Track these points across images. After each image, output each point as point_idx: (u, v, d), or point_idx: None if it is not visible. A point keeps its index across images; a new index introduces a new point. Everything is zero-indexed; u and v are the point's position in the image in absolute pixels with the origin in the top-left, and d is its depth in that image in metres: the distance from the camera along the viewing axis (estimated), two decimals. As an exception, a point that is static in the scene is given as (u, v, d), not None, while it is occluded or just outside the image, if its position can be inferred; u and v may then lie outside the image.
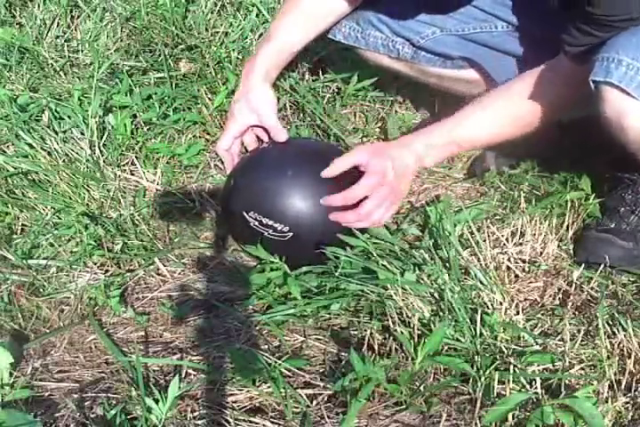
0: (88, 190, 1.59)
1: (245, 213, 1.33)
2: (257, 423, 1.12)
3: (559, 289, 1.31)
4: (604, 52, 1.12)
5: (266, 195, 1.33)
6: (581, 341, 1.17)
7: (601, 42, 1.15)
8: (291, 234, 1.31)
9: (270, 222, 1.31)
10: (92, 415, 1.16)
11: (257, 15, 2.04)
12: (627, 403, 1.09)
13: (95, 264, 1.47)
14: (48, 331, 1.35)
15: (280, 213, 1.32)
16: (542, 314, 1.26)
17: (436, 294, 1.22)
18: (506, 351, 1.14)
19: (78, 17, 2.16)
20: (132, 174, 1.69)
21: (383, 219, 1.33)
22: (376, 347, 1.21)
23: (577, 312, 1.27)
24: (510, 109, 1.33)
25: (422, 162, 1.35)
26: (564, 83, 1.26)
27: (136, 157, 1.71)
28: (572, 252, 1.39)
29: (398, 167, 1.31)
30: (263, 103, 1.41)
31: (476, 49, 1.52)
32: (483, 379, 1.09)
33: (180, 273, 1.46)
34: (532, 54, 1.46)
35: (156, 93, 1.83)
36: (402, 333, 1.17)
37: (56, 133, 1.71)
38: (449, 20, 1.50)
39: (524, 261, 1.34)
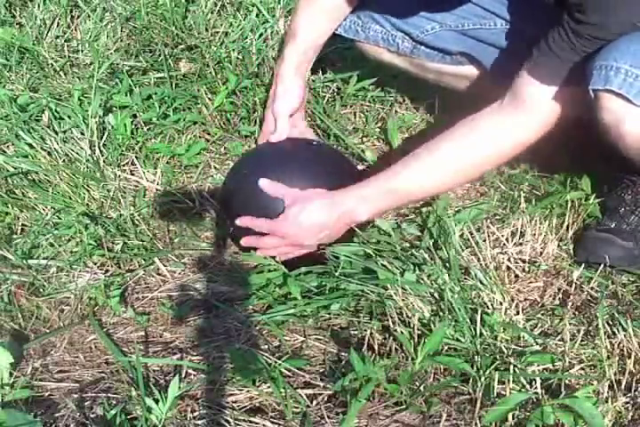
0: (88, 190, 1.59)
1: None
2: (257, 423, 1.12)
3: (559, 289, 1.31)
4: (601, 60, 1.12)
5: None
6: (581, 341, 1.17)
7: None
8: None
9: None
10: (92, 415, 1.16)
11: (257, 15, 2.04)
12: (627, 403, 1.09)
13: (95, 264, 1.47)
14: (48, 331, 1.35)
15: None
16: (542, 314, 1.26)
17: (436, 294, 1.22)
18: (506, 351, 1.14)
19: (78, 17, 2.16)
20: (132, 174, 1.69)
21: (280, 256, 1.34)
22: (376, 347, 1.21)
23: (577, 312, 1.27)
24: (455, 156, 1.28)
25: (353, 215, 1.30)
26: (516, 118, 1.25)
27: (136, 157, 1.71)
28: (571, 252, 1.39)
29: (304, 223, 1.29)
30: (287, 93, 1.45)
31: (475, 45, 1.53)
32: (483, 379, 1.09)
33: (179, 273, 1.46)
34: (529, 52, 1.46)
35: (155, 93, 1.83)
36: (402, 333, 1.17)
37: (56, 133, 1.71)
38: (449, 15, 1.51)
39: (523, 261, 1.34)
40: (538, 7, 1.33)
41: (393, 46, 1.56)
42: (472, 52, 1.53)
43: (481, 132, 1.27)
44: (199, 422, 1.13)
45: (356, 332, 1.27)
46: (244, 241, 1.35)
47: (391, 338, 1.21)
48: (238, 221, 1.33)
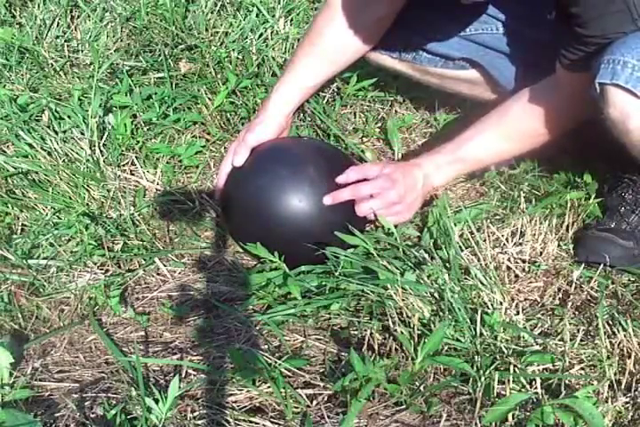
0: (88, 190, 1.59)
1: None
2: (257, 423, 1.12)
3: (559, 289, 1.31)
4: (609, 54, 1.12)
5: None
6: (581, 341, 1.17)
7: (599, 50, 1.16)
8: None
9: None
10: (92, 415, 1.16)
11: (257, 15, 2.04)
12: (627, 403, 1.09)
13: (95, 264, 1.46)
14: (48, 331, 1.35)
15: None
16: (542, 314, 1.26)
17: (436, 294, 1.22)
18: (506, 351, 1.14)
19: (78, 17, 2.16)
20: (132, 174, 1.69)
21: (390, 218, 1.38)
22: (376, 347, 1.21)
23: (577, 312, 1.27)
24: (514, 127, 1.37)
25: (431, 181, 1.41)
26: (568, 95, 1.28)
27: (136, 157, 1.71)
28: (572, 252, 1.39)
29: (409, 182, 1.37)
30: (263, 126, 1.45)
31: (478, 50, 1.52)
32: (483, 379, 1.09)
33: (180, 273, 1.46)
34: (532, 56, 1.46)
35: (155, 93, 1.82)
36: (402, 333, 1.17)
37: (56, 133, 1.71)
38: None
39: (524, 261, 1.34)
40: (539, 11, 1.33)
41: (395, 53, 1.56)
42: (474, 56, 1.53)
43: (541, 99, 1.33)
44: (199, 422, 1.13)
45: (356, 332, 1.27)
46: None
47: (391, 338, 1.21)
48: (333, 197, 1.33)
